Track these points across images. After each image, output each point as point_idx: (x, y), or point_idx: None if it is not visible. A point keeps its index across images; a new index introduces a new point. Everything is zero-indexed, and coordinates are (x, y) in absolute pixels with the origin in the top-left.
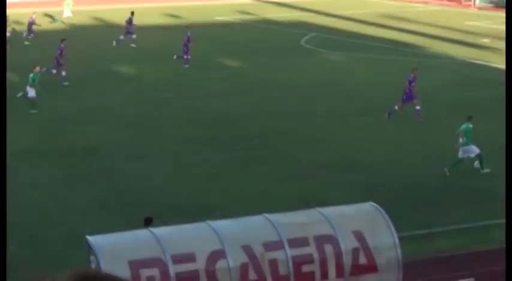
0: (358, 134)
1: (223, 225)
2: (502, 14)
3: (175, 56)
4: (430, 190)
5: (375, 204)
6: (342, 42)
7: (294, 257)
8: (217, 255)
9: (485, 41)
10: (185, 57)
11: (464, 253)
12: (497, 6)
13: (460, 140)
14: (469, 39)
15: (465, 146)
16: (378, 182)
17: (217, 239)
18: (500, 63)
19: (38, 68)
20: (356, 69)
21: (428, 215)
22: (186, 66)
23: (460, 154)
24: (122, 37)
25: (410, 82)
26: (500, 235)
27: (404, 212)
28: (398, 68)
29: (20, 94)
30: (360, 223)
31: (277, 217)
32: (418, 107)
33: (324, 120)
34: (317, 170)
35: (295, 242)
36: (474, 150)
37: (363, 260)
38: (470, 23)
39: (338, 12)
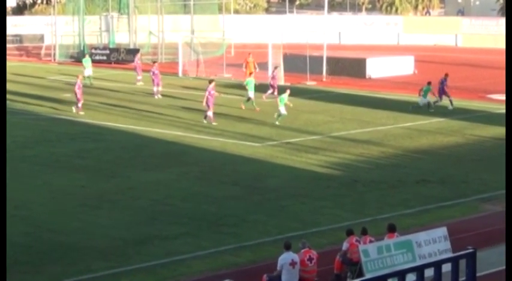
0: None
1: None
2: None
3: None
4: (20, 248)
5: None
6: None
7: None
8: None
9: (67, 95)
10: None
11: None
12: (76, 60)
13: None
14: (51, 94)
15: None
16: None
17: None
18: (89, 118)
19: None
20: None
21: (24, 275)
22: None
23: None
24: None
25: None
26: None
27: None
28: None
29: None
30: None
31: None
32: None
33: None
34: None
35: None
36: None
37: None
38: (52, 78)
39: None
